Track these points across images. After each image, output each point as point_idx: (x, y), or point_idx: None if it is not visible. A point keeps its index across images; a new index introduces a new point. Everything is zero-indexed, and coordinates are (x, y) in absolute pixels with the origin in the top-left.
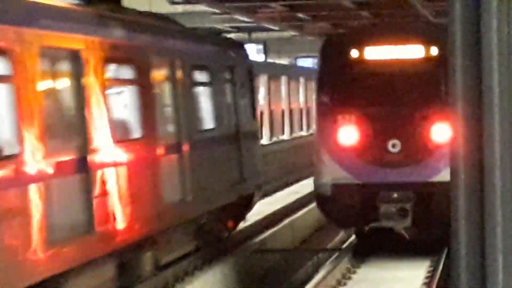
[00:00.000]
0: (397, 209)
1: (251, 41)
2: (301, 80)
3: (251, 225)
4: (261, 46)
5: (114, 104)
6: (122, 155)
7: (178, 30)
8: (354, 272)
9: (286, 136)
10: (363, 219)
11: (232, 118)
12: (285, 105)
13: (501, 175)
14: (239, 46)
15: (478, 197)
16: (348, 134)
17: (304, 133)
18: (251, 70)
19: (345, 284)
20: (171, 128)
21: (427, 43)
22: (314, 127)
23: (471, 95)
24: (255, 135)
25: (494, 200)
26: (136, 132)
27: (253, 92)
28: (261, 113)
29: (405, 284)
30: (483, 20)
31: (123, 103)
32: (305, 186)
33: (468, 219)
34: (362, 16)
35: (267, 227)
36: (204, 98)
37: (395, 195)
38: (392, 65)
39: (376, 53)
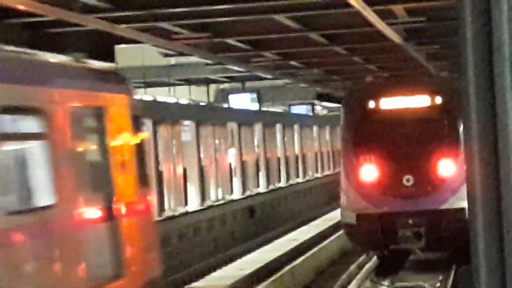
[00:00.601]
0: (413, 233)
1: (245, 90)
2: (296, 127)
3: None
4: (255, 95)
5: None
6: None
7: None
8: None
9: (282, 184)
10: (384, 243)
11: (96, 186)
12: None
13: None
14: (115, 80)
15: (497, 234)
16: (369, 171)
17: (300, 179)
18: (136, 115)
19: None
20: None
21: (432, 93)
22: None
23: (486, 134)
24: (146, 208)
25: None
26: None
27: (140, 146)
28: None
29: None
30: (496, 60)
31: None
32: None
33: (487, 257)
34: (354, 61)
35: None
36: (33, 158)
37: (411, 221)
38: (404, 113)
39: (390, 103)
